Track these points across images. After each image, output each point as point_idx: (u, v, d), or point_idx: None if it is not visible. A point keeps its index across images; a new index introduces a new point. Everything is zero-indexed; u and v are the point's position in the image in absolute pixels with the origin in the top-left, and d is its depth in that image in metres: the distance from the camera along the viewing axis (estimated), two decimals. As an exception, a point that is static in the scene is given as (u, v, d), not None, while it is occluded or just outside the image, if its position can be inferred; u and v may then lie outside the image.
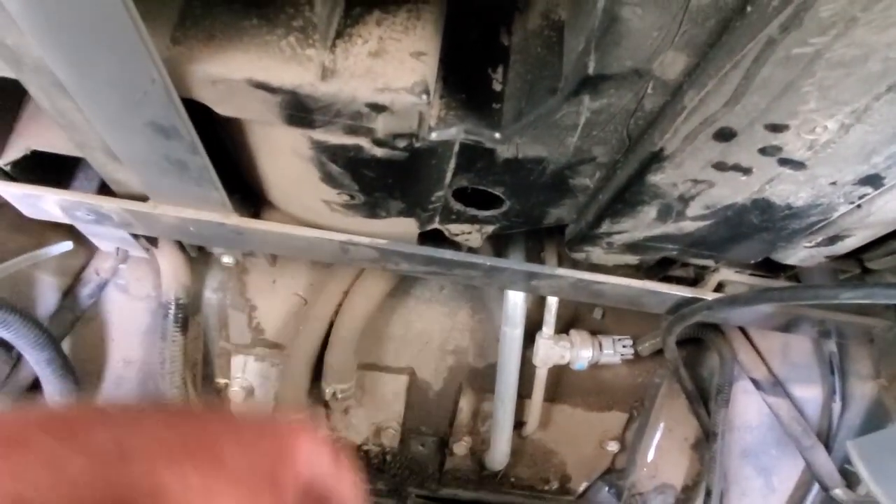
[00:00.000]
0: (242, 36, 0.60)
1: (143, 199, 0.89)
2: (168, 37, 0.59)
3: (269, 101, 0.62)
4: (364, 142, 0.69)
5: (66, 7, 0.50)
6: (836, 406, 1.13)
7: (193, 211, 0.88)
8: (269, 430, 0.35)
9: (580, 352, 1.25)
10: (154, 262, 1.18)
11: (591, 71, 0.56)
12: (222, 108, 0.64)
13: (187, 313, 1.18)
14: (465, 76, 0.70)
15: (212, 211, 0.88)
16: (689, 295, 0.96)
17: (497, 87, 0.70)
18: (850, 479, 1.09)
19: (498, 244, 1.07)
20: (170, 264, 1.16)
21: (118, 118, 0.66)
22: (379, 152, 0.70)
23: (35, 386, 1.15)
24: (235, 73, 0.60)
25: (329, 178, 0.78)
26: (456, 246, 1.00)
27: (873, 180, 0.63)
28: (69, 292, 1.17)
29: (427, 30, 0.65)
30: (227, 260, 1.13)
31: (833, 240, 0.78)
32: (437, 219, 0.91)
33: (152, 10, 0.59)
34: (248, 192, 0.94)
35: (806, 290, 0.75)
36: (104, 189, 0.92)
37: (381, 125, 0.64)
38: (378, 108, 0.62)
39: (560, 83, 0.61)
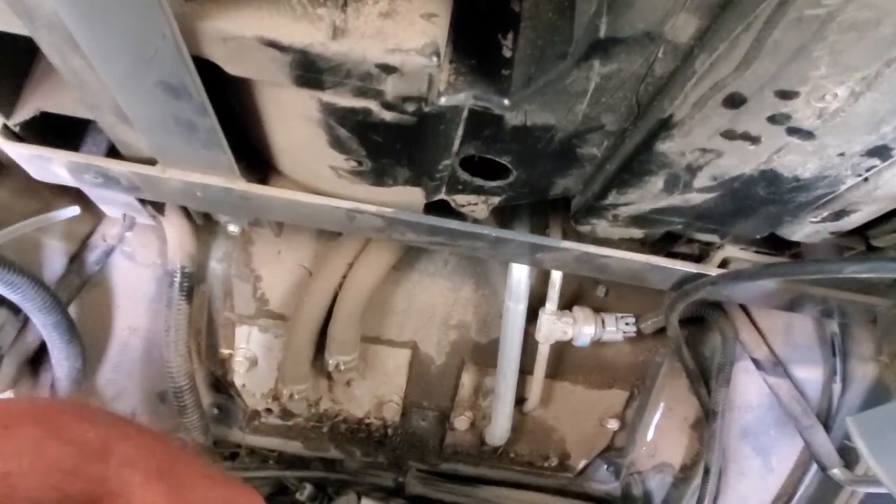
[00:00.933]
0: (253, -5, 0.60)
1: (151, 162, 0.89)
2: (180, -5, 0.59)
3: (279, 60, 0.62)
4: (373, 105, 0.69)
5: (80, -43, 0.50)
6: (837, 387, 1.13)
7: (201, 175, 0.89)
8: (230, 486, 0.41)
9: (583, 328, 1.26)
10: (160, 230, 1.18)
11: (602, 34, 0.56)
12: (232, 67, 0.65)
13: (193, 282, 1.19)
14: (475, 41, 0.70)
15: (219, 175, 0.88)
16: (694, 270, 0.96)
17: (507, 52, 0.70)
18: (849, 459, 1.09)
19: (503, 217, 1.07)
20: (176, 232, 1.16)
21: (129, 76, 0.66)
22: (388, 116, 0.70)
23: (42, 350, 1.16)
24: (246, 30, 0.60)
25: (337, 143, 0.78)
26: (462, 217, 1.00)
27: (881, 151, 0.63)
28: (76, 258, 1.18)
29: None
30: (232, 229, 1.14)
31: (839, 215, 0.78)
32: (443, 189, 0.92)
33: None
34: (255, 160, 0.95)
35: (810, 265, 0.75)
36: (113, 154, 0.93)
37: (391, 87, 0.65)
38: (388, 70, 0.62)
39: (570, 48, 0.61)
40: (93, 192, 1.01)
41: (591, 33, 0.56)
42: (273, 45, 0.60)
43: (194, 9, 0.59)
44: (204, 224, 1.21)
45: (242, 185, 0.90)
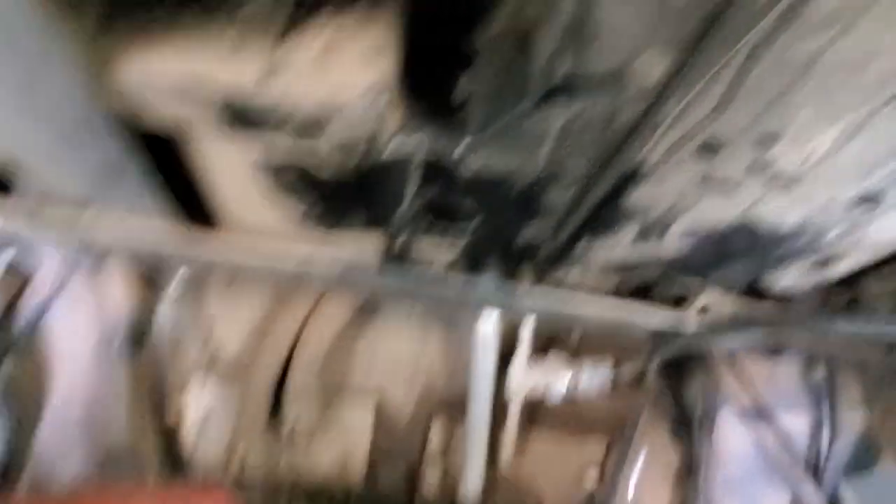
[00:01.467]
0: (181, 28, 0.53)
1: (87, 209, 0.81)
2: (93, 30, 0.53)
3: (207, 99, 0.55)
4: (317, 148, 0.62)
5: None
6: (825, 436, 1.07)
7: (138, 224, 0.81)
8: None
9: (557, 377, 1.19)
10: (102, 279, 1.10)
11: (563, 73, 0.50)
12: (153, 109, 0.58)
13: (137, 335, 1.10)
14: (428, 80, 0.64)
15: (158, 224, 0.81)
16: (672, 319, 0.90)
17: (462, 92, 0.64)
18: (839, 514, 1.03)
19: (470, 262, 1.01)
20: (119, 282, 1.08)
21: (57, 122, 0.59)
22: (334, 160, 0.64)
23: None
24: (170, 69, 0.53)
25: (281, 188, 0.71)
26: (424, 263, 0.93)
27: (871, 198, 0.57)
28: (5, 315, 1.09)
29: (385, 28, 0.59)
30: (179, 281, 1.06)
31: (824, 264, 0.72)
32: (402, 233, 0.85)
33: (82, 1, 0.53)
34: (199, 208, 0.87)
35: (797, 322, 0.69)
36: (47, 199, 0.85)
37: (335, 131, 0.58)
38: (329, 112, 0.56)
39: (529, 86, 0.55)
40: (25, 241, 0.93)
41: (551, 73, 0.51)
42: (199, 85, 0.54)
43: (112, 47, 0.53)
44: (151, 271, 1.13)
45: (184, 236, 0.82)
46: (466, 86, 0.64)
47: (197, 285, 1.19)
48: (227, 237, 0.84)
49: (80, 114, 0.57)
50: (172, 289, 1.17)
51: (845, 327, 0.67)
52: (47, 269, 1.07)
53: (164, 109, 0.58)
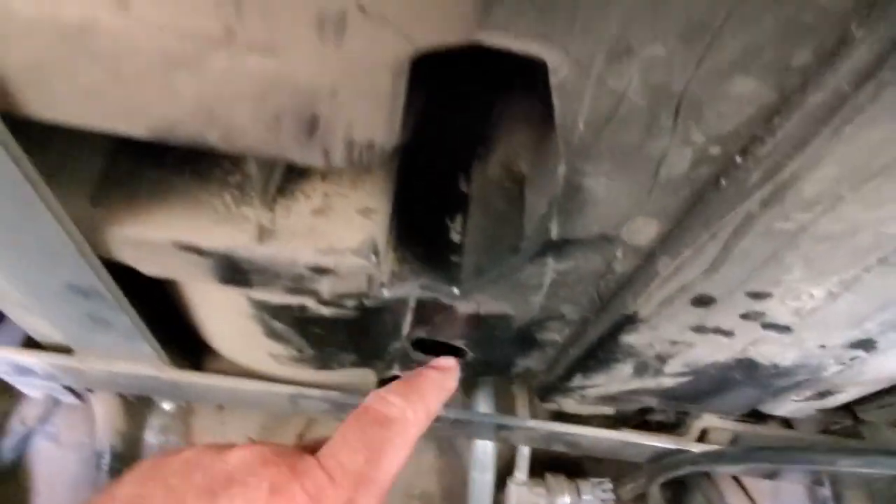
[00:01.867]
0: (171, 195, 0.54)
1: (69, 351, 0.80)
2: (87, 197, 0.53)
3: (199, 263, 0.56)
4: (309, 301, 0.62)
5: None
6: (835, 556, 1.03)
7: (124, 364, 0.80)
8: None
9: (557, 499, 1.14)
10: (88, 408, 1.07)
11: (554, 235, 0.51)
12: (147, 270, 0.58)
13: (123, 464, 1.06)
14: (421, 225, 0.65)
15: (144, 364, 0.80)
16: (672, 446, 0.88)
17: (455, 237, 0.65)
18: None
19: (465, 390, 0.99)
20: (105, 410, 1.05)
21: (34, 280, 0.59)
22: (326, 311, 0.64)
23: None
24: (161, 235, 0.53)
25: (273, 334, 0.70)
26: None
27: (865, 344, 0.57)
28: (-11, 441, 1.05)
29: (377, 183, 0.60)
30: (167, 406, 1.03)
31: (823, 395, 0.72)
32: (395, 367, 0.84)
33: (72, 167, 0.54)
34: (188, 339, 0.86)
35: (800, 454, 0.68)
36: (28, 340, 0.84)
37: (327, 287, 0.58)
38: (322, 271, 0.56)
39: (522, 241, 0.56)
40: (8, 378, 0.91)
41: (542, 234, 0.51)
42: (191, 249, 0.54)
43: (102, 214, 0.53)
44: (137, 398, 1.10)
45: (170, 373, 0.81)
46: (459, 233, 0.65)
47: (185, 411, 1.16)
48: (212, 374, 0.83)
49: (70, 273, 0.57)
50: (159, 416, 1.14)
51: (849, 462, 0.65)
52: (32, 398, 1.05)
53: (155, 269, 0.58)
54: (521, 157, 0.62)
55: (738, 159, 0.39)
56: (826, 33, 0.30)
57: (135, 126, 0.38)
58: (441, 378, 0.53)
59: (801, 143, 0.35)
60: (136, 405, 1.10)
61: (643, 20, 0.30)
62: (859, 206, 0.40)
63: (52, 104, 0.36)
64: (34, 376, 0.84)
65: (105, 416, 1.05)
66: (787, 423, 0.94)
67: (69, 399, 1.03)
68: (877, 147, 0.34)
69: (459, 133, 0.69)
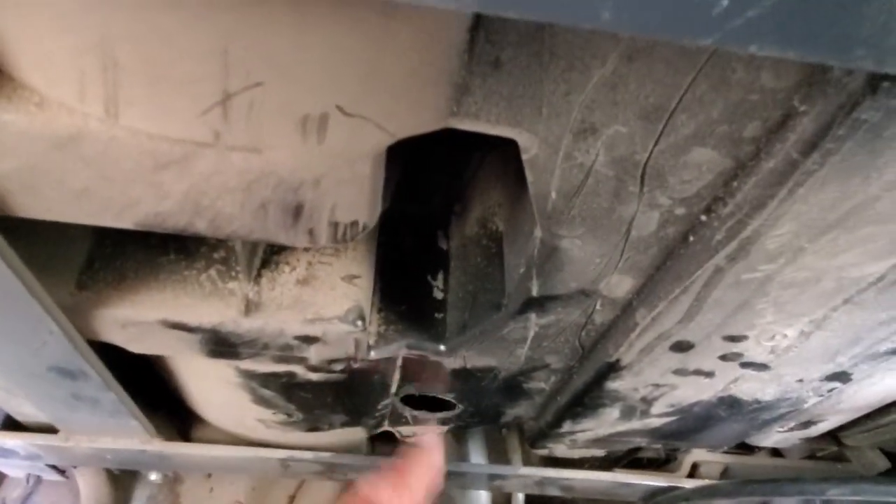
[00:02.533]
0: (158, 273, 0.55)
1: (53, 430, 0.79)
2: (73, 282, 0.54)
3: (187, 339, 0.56)
4: (297, 368, 0.63)
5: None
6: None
7: (110, 439, 0.79)
8: None
9: (554, 542, 1.14)
10: (72, 483, 1.05)
11: (534, 293, 0.52)
12: (135, 348, 0.58)
13: (110, 538, 1.04)
14: (404, 285, 0.67)
15: (130, 437, 0.79)
16: (664, 483, 0.89)
17: (438, 294, 0.67)
18: None
19: (456, 440, 0.99)
20: (89, 484, 1.03)
21: (19, 363, 0.59)
22: (314, 377, 0.64)
23: None
24: (148, 314, 0.54)
25: (262, 401, 0.71)
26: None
27: (840, 377, 0.60)
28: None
29: (360, 249, 0.61)
30: (153, 477, 1.02)
31: (807, 424, 0.73)
32: (385, 422, 0.84)
33: (57, 253, 0.54)
34: (175, 407, 0.86)
35: (790, 485, 0.69)
36: (9, 420, 0.82)
37: (315, 354, 0.59)
38: (309, 340, 0.57)
39: (503, 299, 0.57)
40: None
41: (523, 292, 0.53)
42: (179, 326, 0.55)
43: (89, 297, 0.54)
44: (122, 470, 1.08)
45: (158, 445, 0.80)
46: (442, 290, 0.67)
47: (171, 480, 1.14)
48: (200, 444, 0.82)
49: (55, 357, 0.57)
50: (146, 487, 1.12)
51: (838, 491, 0.66)
52: (14, 478, 1.02)
53: (143, 347, 0.58)
54: (497, 214, 0.64)
55: (704, 218, 0.42)
56: (772, 109, 0.32)
57: (123, 220, 0.39)
58: (427, 458, 0.56)
59: (759, 204, 0.37)
60: (122, 477, 1.08)
61: (604, 105, 0.32)
62: (819, 255, 0.42)
63: (42, 205, 0.37)
64: (16, 457, 0.83)
65: (90, 490, 1.03)
66: (775, 451, 0.96)
67: (53, 476, 1.01)
68: (829, 205, 0.36)
69: (435, 192, 0.71)
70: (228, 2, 0.26)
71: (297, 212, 0.38)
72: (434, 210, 0.71)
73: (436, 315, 0.65)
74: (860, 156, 0.31)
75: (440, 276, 0.68)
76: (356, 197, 0.38)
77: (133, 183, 0.35)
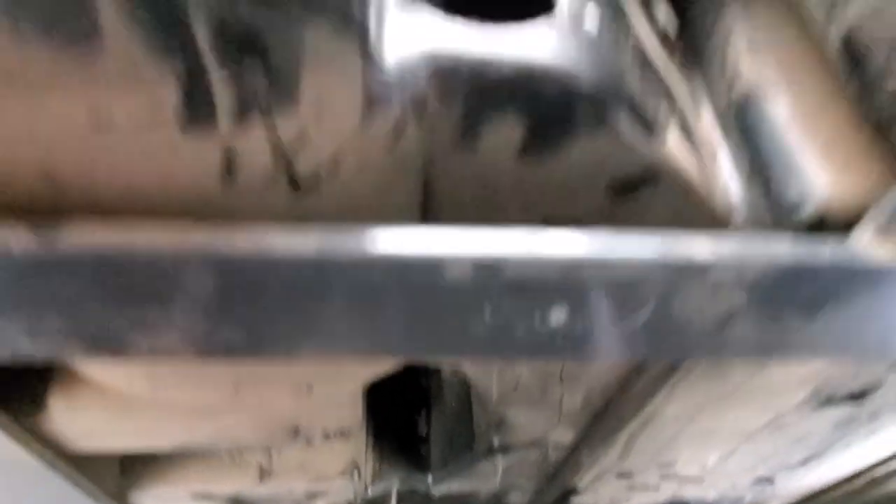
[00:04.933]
0: (184, 455, 0.66)
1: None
2: (118, 469, 0.65)
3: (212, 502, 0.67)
4: (305, 512, 0.73)
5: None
6: None
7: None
8: None
9: None
10: None
11: (496, 445, 0.63)
12: (168, 512, 0.68)
13: None
14: (392, 421, 0.77)
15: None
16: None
17: (422, 429, 0.77)
18: None
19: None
20: None
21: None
22: (321, 518, 0.75)
23: None
24: (179, 488, 0.65)
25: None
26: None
27: (766, 480, 0.70)
28: None
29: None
30: None
31: (754, 510, 0.84)
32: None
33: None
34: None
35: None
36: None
37: (322, 500, 0.69)
38: (315, 495, 0.67)
39: (474, 443, 0.68)
40: None
41: (487, 442, 0.64)
42: (205, 496, 0.65)
43: (129, 480, 0.64)
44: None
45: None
46: (426, 426, 0.77)
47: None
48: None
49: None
50: None
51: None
52: None
53: (176, 511, 0.68)
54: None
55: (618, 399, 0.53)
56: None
57: (158, 447, 0.50)
58: None
59: (648, 396, 0.49)
60: None
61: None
62: (713, 418, 0.53)
63: (94, 446, 0.49)
64: None
65: None
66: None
67: None
68: (693, 406, 0.47)
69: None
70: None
71: (295, 432, 0.50)
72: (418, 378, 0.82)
73: (422, 449, 0.76)
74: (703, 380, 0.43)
75: (423, 413, 0.78)
76: (342, 415, 0.50)
77: (167, 431, 0.47)
